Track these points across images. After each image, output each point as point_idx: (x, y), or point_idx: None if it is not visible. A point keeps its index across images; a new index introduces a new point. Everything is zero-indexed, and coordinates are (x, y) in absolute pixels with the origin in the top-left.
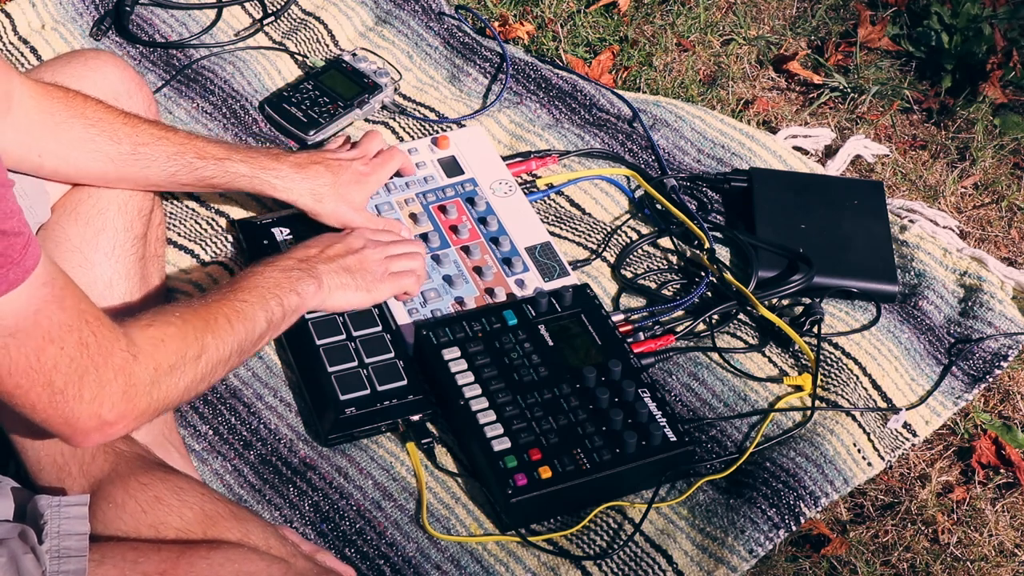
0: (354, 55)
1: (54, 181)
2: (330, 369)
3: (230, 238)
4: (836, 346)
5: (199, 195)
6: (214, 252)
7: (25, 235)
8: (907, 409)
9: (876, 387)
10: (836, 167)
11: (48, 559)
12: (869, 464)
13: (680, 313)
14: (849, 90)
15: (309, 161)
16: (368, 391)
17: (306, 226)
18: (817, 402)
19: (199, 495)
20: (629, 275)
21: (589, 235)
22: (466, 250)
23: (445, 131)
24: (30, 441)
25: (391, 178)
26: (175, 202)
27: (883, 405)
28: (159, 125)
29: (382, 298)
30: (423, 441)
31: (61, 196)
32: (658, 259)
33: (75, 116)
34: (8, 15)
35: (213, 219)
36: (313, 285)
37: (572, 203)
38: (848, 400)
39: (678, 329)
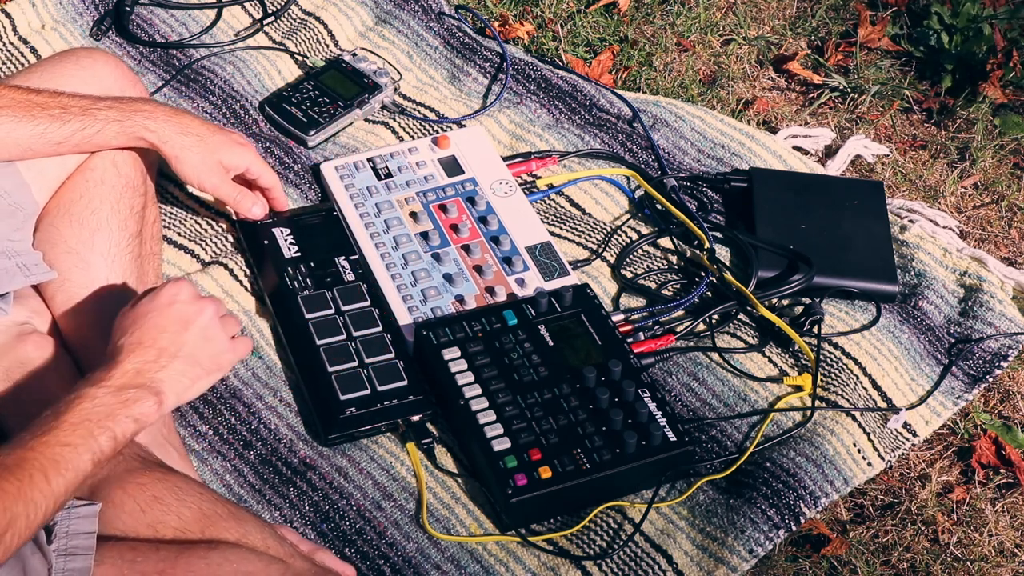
0: (354, 55)
1: None
2: (330, 369)
3: (230, 238)
4: (836, 346)
5: (199, 195)
6: (214, 252)
7: None
8: (907, 409)
9: (876, 387)
10: (836, 167)
11: (55, 557)
12: (869, 464)
13: (680, 313)
14: (849, 90)
15: (187, 112)
16: (368, 391)
17: (307, 228)
18: (817, 402)
19: (197, 495)
20: (629, 275)
21: (589, 235)
22: (466, 249)
23: (445, 131)
24: None
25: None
26: (175, 202)
27: (883, 405)
28: (28, 90)
29: (229, 369)
30: (423, 441)
31: (51, 197)
32: (658, 259)
33: None
34: (8, 15)
35: (213, 219)
36: (153, 404)
37: (572, 203)
38: (848, 400)
39: (678, 329)
